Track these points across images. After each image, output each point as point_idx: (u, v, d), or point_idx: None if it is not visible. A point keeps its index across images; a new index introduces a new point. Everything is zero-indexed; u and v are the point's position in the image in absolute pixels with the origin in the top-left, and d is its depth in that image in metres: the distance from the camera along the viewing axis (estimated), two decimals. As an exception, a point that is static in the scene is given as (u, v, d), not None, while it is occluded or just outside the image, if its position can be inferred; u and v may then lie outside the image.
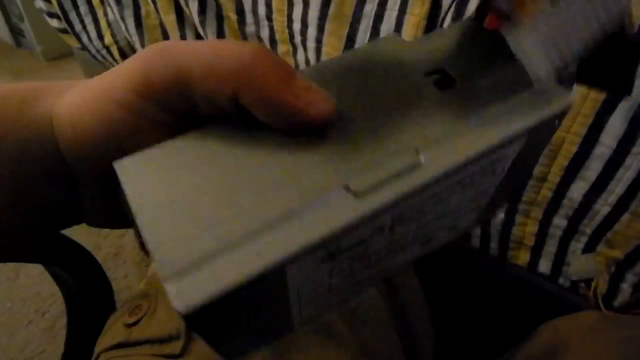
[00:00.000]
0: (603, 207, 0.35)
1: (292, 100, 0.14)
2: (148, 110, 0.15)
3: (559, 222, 0.40)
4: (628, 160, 0.32)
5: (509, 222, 0.42)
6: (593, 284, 0.35)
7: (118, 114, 0.15)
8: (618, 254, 0.38)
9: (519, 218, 0.42)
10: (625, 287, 0.40)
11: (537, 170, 0.37)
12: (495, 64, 0.17)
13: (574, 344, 0.29)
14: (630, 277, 0.39)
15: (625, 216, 0.34)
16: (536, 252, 0.43)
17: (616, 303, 0.39)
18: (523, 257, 0.44)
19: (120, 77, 0.15)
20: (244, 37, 0.48)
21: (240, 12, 0.47)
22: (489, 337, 0.45)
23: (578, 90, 0.32)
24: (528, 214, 0.41)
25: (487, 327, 0.47)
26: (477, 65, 0.17)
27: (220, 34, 0.49)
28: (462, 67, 0.17)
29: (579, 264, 0.34)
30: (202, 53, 0.14)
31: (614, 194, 0.34)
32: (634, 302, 0.37)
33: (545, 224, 0.41)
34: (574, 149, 0.34)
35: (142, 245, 0.14)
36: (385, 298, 0.37)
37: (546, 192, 0.38)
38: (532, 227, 0.42)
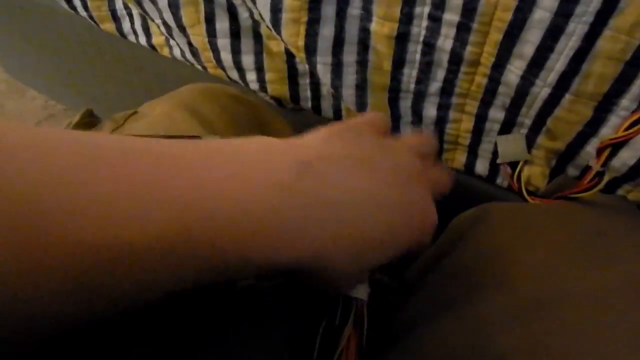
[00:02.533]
0: (542, 89, 0.30)
1: None
2: None
3: (496, 114, 0.34)
4: (571, 26, 0.26)
5: (442, 120, 0.37)
6: (517, 168, 0.30)
7: None
8: (559, 145, 0.33)
9: (452, 114, 0.36)
10: (567, 182, 0.36)
11: (469, 52, 0.31)
12: None
13: (471, 237, 0.26)
14: (571, 171, 0.35)
15: (567, 97, 0.29)
16: (472, 151, 0.38)
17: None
18: (459, 159, 0.39)
19: None
20: None
21: None
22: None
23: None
24: (463, 108, 0.36)
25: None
26: None
27: None
28: None
29: (505, 144, 0.30)
30: None
31: (554, 71, 0.28)
32: (555, 188, 0.34)
33: (481, 118, 0.35)
34: (508, 16, 0.27)
35: None
36: None
37: (480, 79, 0.33)
38: (467, 124, 0.36)
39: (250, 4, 0.35)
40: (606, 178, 0.28)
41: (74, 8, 0.50)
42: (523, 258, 0.24)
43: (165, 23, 0.43)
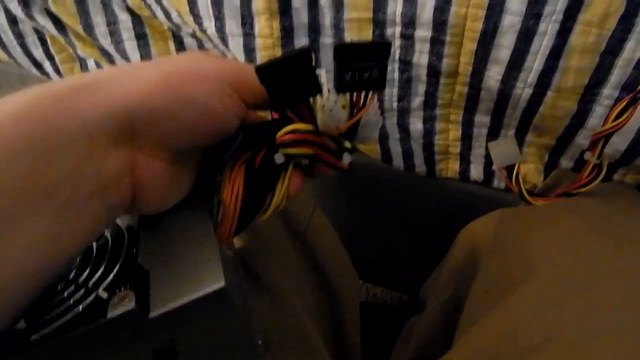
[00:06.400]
0: (524, 90, 0.30)
1: None
2: None
3: (482, 119, 0.34)
4: (542, 26, 0.26)
5: (429, 132, 0.37)
6: (514, 171, 0.30)
7: None
8: (549, 140, 0.33)
9: (439, 125, 0.36)
10: (562, 174, 0.36)
11: (445, 64, 0.31)
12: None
13: (485, 249, 0.26)
14: (565, 163, 0.35)
15: (549, 94, 0.29)
16: (464, 158, 0.38)
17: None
18: (453, 167, 0.39)
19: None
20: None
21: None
22: (432, 256, 0.41)
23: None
24: (448, 118, 0.36)
25: (428, 247, 0.43)
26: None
27: None
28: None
29: (497, 150, 0.30)
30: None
31: (532, 72, 0.28)
32: (553, 182, 0.34)
33: (467, 125, 0.35)
34: (479, 25, 0.28)
35: None
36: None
37: (461, 88, 0.33)
38: (455, 132, 0.36)
39: (222, 48, 0.35)
40: (604, 168, 0.28)
41: (45, 74, 0.49)
42: (543, 251, 0.24)
43: None
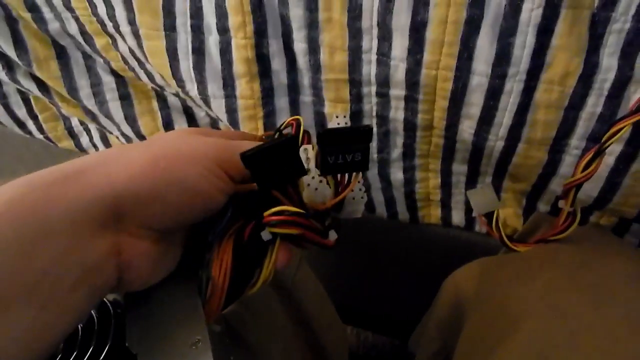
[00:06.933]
0: (496, 142, 0.31)
1: None
2: None
3: (459, 168, 0.36)
4: (507, 85, 0.28)
5: (410, 181, 0.38)
6: (494, 217, 0.31)
7: None
8: (525, 186, 0.34)
9: (418, 174, 0.37)
10: (540, 217, 0.37)
11: (420, 118, 0.32)
12: None
13: (470, 300, 0.28)
14: (542, 207, 0.36)
15: (520, 146, 0.31)
16: (445, 204, 0.39)
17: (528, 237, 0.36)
18: (435, 214, 0.40)
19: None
20: (49, 35, 0.38)
21: (32, 7, 0.36)
22: (420, 299, 0.41)
23: (435, 16, 0.27)
24: (427, 167, 0.37)
25: (416, 291, 0.43)
26: None
27: (19, 41, 0.38)
28: None
29: (476, 198, 0.31)
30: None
31: (502, 126, 0.30)
32: (532, 226, 0.34)
33: (446, 173, 0.36)
34: (449, 85, 0.29)
35: None
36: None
37: (437, 140, 0.34)
38: (435, 181, 0.37)
39: (205, 108, 0.36)
40: (578, 215, 0.29)
41: (29, 132, 0.50)
42: (525, 306, 0.25)
43: (124, 134, 0.43)
